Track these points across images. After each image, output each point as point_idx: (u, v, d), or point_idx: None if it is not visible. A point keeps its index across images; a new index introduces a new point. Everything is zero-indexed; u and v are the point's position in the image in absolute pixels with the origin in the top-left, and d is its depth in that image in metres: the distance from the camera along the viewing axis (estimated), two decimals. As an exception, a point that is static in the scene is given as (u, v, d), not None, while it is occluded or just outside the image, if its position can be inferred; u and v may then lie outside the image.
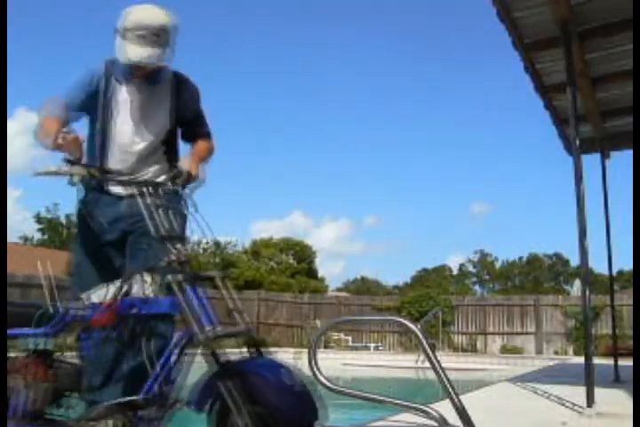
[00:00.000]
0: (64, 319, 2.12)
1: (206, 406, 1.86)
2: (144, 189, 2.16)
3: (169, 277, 1.94)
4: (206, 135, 2.80)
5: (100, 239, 2.60)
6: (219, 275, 2.02)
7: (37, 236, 33.36)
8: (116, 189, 2.61)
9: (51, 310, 2.17)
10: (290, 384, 1.80)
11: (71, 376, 2.12)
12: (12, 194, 49.27)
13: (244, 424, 1.77)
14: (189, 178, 2.29)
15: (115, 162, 2.59)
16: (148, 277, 2.05)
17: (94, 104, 2.58)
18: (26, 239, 34.10)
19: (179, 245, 2.03)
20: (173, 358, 1.96)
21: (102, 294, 2.11)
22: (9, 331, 2.16)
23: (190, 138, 2.78)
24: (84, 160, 2.57)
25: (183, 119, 2.73)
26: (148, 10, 2.49)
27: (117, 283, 2.10)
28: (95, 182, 2.52)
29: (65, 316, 2.12)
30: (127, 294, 2.06)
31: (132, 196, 2.62)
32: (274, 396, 1.79)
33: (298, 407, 1.81)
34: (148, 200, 2.14)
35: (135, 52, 2.44)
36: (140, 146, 2.64)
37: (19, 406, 2.03)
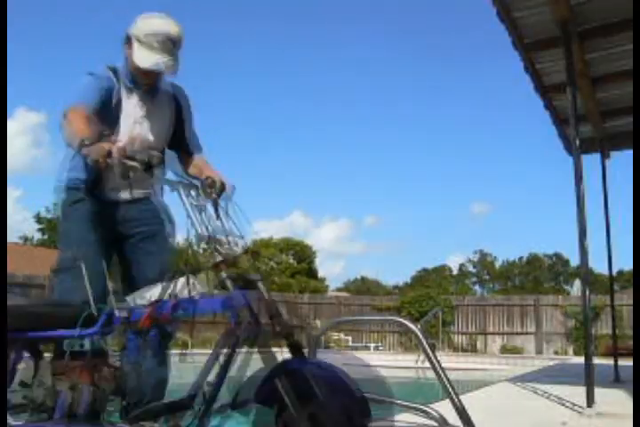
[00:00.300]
0: (111, 321, 2.11)
1: (256, 406, 1.89)
2: (192, 192, 2.15)
3: (223, 274, 1.98)
4: (200, 147, 2.80)
5: (94, 241, 2.56)
6: (261, 278, 2.05)
7: (37, 236, 33.42)
8: (113, 195, 2.60)
9: (94, 311, 2.17)
10: (346, 385, 1.84)
11: (117, 378, 2.12)
12: (12, 194, 49.34)
13: (302, 424, 1.80)
14: (223, 187, 2.33)
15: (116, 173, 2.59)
16: (193, 278, 2.07)
17: (99, 113, 2.51)
18: (26, 239, 34.14)
19: (226, 246, 2.05)
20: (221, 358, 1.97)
21: (148, 296, 2.12)
22: (54, 332, 2.12)
23: (187, 149, 2.75)
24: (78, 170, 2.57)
25: (180, 130, 2.74)
26: (165, 18, 2.51)
27: (161, 285, 2.10)
28: (90, 184, 2.55)
29: (111, 317, 2.11)
30: (173, 295, 2.07)
31: (129, 201, 2.63)
32: (331, 395, 1.81)
33: (354, 407, 1.84)
34: (197, 201, 2.14)
35: (154, 59, 2.45)
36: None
37: (64, 408, 2.02)
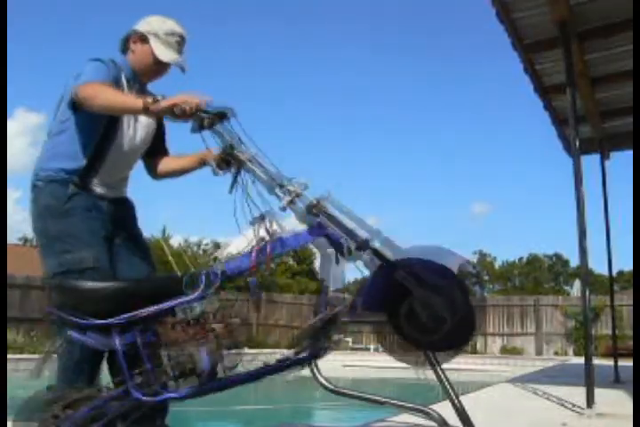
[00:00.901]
0: (217, 278, 2.14)
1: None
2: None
3: (313, 200, 2.11)
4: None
5: (102, 240, 2.48)
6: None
7: (37, 237, 33.35)
8: (100, 190, 2.54)
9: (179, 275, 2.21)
10: (448, 268, 2.09)
11: (235, 331, 2.17)
12: (12, 195, 49.29)
13: (424, 304, 2.03)
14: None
15: (110, 167, 2.54)
16: (272, 220, 2.16)
17: None
18: (25, 240, 34.14)
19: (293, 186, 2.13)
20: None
21: (234, 250, 2.19)
22: (167, 303, 2.12)
23: (164, 150, 2.80)
24: (76, 159, 2.46)
25: (160, 133, 2.76)
26: (177, 21, 2.64)
27: (249, 230, 2.16)
28: (82, 176, 2.47)
29: (217, 274, 2.14)
30: (262, 239, 2.14)
31: (116, 200, 2.59)
32: (443, 277, 2.06)
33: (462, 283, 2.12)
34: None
35: (174, 56, 2.58)
36: (136, 152, 2.65)
37: (208, 369, 2.08)
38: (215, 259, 2.22)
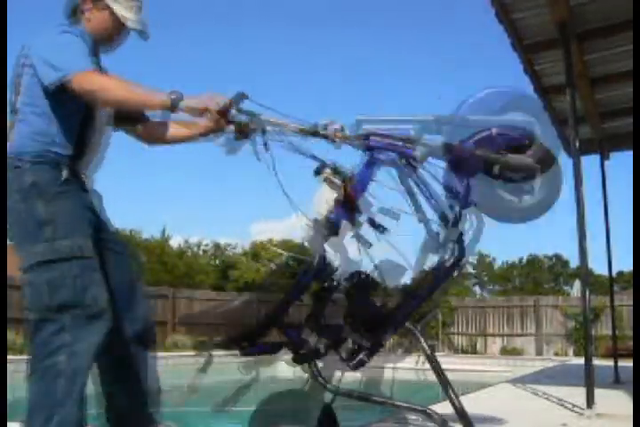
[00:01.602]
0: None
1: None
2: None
3: (360, 130, 2.17)
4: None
5: (90, 234, 2.27)
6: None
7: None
8: (83, 178, 2.33)
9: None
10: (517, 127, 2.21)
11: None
12: (12, 196, 49.23)
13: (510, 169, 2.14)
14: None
15: (90, 153, 2.36)
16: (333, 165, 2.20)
17: None
18: (25, 241, 34.04)
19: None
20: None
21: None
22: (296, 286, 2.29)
23: (141, 117, 2.53)
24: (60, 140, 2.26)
25: None
26: None
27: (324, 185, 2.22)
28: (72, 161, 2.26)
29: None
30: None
31: (91, 192, 2.36)
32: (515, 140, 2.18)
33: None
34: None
35: (143, 22, 2.39)
36: (106, 137, 2.47)
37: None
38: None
